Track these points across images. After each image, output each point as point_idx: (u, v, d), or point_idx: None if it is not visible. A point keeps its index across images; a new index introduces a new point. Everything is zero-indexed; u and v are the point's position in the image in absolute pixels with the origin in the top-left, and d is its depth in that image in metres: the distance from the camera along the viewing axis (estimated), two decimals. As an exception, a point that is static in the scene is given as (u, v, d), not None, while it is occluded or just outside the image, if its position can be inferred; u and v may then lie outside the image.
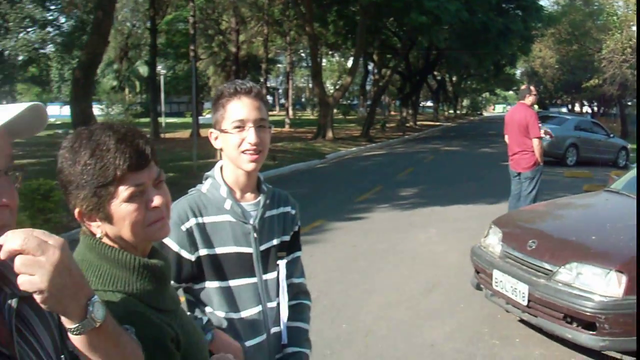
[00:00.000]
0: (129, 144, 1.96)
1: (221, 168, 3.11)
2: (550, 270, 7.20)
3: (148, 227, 2.02)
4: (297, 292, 3.31)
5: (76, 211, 2.01)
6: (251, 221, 3.03)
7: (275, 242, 3.11)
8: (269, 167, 25.67)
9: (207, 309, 2.98)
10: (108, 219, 1.99)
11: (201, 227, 2.95)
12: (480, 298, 8.66)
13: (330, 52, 73.00)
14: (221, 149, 3.04)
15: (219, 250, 2.95)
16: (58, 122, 52.78)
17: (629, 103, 54.19)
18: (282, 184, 21.69)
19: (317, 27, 46.25)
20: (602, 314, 6.62)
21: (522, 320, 8.00)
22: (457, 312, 8.91)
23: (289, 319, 3.17)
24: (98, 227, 2.04)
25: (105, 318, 1.57)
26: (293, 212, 3.29)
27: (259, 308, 3.02)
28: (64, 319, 1.53)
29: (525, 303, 7.31)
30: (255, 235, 3.01)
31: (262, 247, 3.04)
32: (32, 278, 1.41)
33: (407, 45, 52.59)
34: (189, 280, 2.97)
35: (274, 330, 3.08)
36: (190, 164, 23.59)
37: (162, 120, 46.95)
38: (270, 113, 50.65)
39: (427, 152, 35.61)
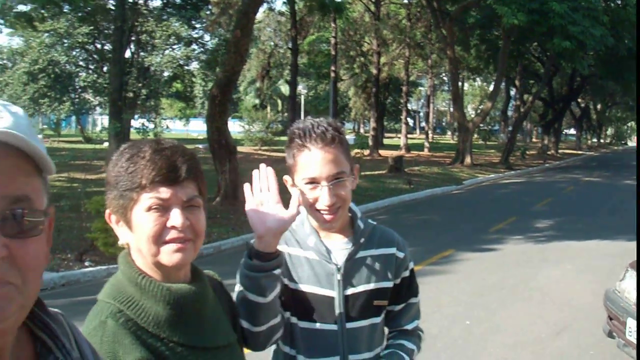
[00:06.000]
0: (165, 157, 1.95)
1: None
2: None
3: (163, 245, 1.93)
4: (404, 335, 2.93)
5: (107, 211, 2.05)
6: (335, 261, 2.70)
7: (368, 287, 2.74)
8: (405, 191, 25.53)
9: None
10: (129, 224, 1.99)
11: (286, 257, 2.67)
12: (612, 347, 8.11)
13: (472, 76, 72.39)
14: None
15: (298, 287, 2.69)
16: (200, 137, 53.99)
17: None
18: (417, 209, 21.57)
19: (458, 50, 46.00)
20: None
21: (656, 375, 7.44)
22: None
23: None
24: (122, 233, 2.03)
25: None
26: (401, 255, 2.85)
27: (336, 359, 2.69)
28: None
29: (660, 357, 6.76)
30: (339, 277, 2.69)
31: (348, 292, 2.70)
32: None
33: (550, 71, 51.56)
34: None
35: None
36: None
37: (301, 139, 47.32)
38: (410, 136, 51.13)
39: (567, 182, 34.64)
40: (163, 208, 1.92)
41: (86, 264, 12.97)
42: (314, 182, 2.58)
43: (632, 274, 7.91)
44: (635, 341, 7.14)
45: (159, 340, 1.91)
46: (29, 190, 1.27)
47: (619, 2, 38.74)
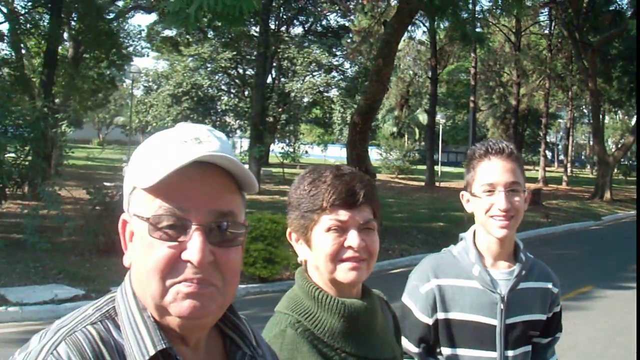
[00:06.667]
0: (344, 183, 2.10)
1: (475, 232, 2.96)
2: None
3: (339, 264, 2.08)
4: None
5: (288, 230, 2.26)
6: (499, 291, 2.84)
7: (526, 317, 2.88)
8: (542, 224, 25.24)
9: None
10: (308, 243, 2.17)
11: (442, 289, 2.84)
12: None
13: (613, 109, 70.76)
14: (472, 213, 2.91)
15: (458, 316, 2.82)
16: (337, 164, 54.39)
17: None
18: (554, 243, 21.29)
19: (600, 82, 45.06)
20: None
21: None
22: None
23: None
24: (301, 251, 2.22)
25: None
26: (555, 290, 3.03)
27: None
28: None
29: None
30: (502, 306, 2.82)
31: (509, 321, 2.84)
32: None
33: (696, 106, 50.01)
34: (427, 344, 2.87)
35: None
36: (462, 215, 23.36)
37: (439, 168, 47.28)
38: (548, 169, 50.06)
39: None
40: (341, 229, 2.08)
41: (226, 282, 13.33)
42: (491, 187, 2.76)
43: None
44: None
45: (332, 350, 2.07)
46: (233, 206, 1.50)
47: None
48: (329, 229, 2.08)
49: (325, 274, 2.13)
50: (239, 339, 1.64)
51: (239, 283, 1.57)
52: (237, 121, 48.29)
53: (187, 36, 40.39)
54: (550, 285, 3.01)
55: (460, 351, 2.82)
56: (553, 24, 50.91)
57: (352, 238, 2.07)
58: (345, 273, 2.09)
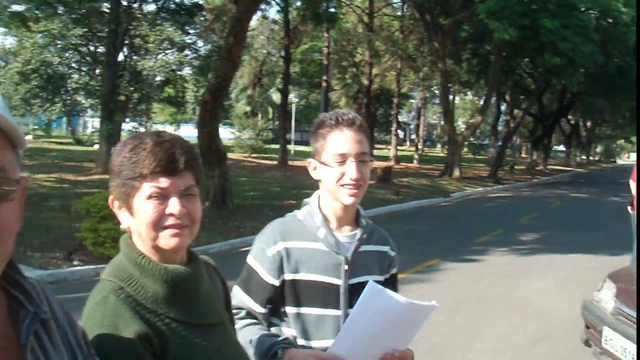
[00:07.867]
0: (165, 149, 2.08)
1: (319, 196, 3.05)
2: (666, 334, 6.74)
3: (161, 231, 2.07)
4: None
5: (110, 197, 2.20)
6: (344, 253, 2.93)
7: (367, 278, 2.90)
8: (393, 201, 25.70)
9: (285, 329, 2.93)
10: (130, 210, 2.12)
11: (289, 252, 2.90)
12: (589, 355, 8.25)
13: (463, 90, 72.58)
14: (319, 180, 2.99)
15: (304, 276, 2.89)
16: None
17: None
18: (404, 219, 21.69)
19: (450, 64, 46.18)
20: None
21: (630, 383, 7.57)
22: (564, 367, 8.53)
23: None
24: (123, 218, 2.16)
25: None
26: (392, 253, 3.16)
27: None
28: None
29: (634, 365, 6.88)
30: (346, 267, 2.92)
31: (352, 281, 2.92)
32: None
33: (540, 87, 51.94)
34: (273, 304, 2.93)
35: None
36: (313, 192, 23.49)
37: (292, 147, 47.49)
38: (400, 148, 51.09)
39: (553, 198, 34.81)
40: (162, 196, 2.06)
41: (75, 263, 13.04)
42: (343, 157, 2.84)
43: (609, 285, 8.04)
44: (610, 349, 7.28)
45: (156, 316, 2.05)
46: (4, 162, 1.46)
47: (610, 21, 38.94)
48: (150, 197, 2.07)
49: (148, 241, 2.11)
50: (23, 298, 1.60)
51: (14, 240, 1.52)
52: (88, 100, 47.37)
53: (36, 11, 39.19)
54: (387, 249, 3.13)
55: (305, 310, 2.89)
56: (405, 6, 51.74)
57: (173, 205, 2.07)
58: (167, 240, 2.08)
